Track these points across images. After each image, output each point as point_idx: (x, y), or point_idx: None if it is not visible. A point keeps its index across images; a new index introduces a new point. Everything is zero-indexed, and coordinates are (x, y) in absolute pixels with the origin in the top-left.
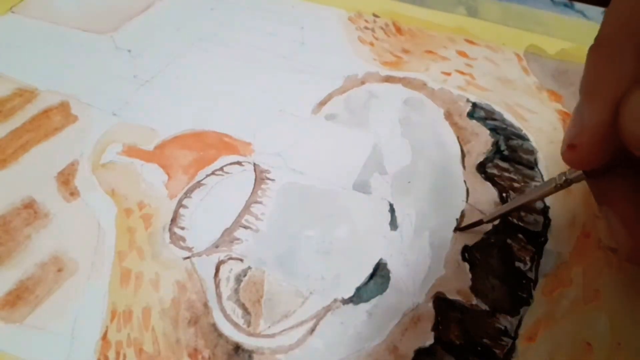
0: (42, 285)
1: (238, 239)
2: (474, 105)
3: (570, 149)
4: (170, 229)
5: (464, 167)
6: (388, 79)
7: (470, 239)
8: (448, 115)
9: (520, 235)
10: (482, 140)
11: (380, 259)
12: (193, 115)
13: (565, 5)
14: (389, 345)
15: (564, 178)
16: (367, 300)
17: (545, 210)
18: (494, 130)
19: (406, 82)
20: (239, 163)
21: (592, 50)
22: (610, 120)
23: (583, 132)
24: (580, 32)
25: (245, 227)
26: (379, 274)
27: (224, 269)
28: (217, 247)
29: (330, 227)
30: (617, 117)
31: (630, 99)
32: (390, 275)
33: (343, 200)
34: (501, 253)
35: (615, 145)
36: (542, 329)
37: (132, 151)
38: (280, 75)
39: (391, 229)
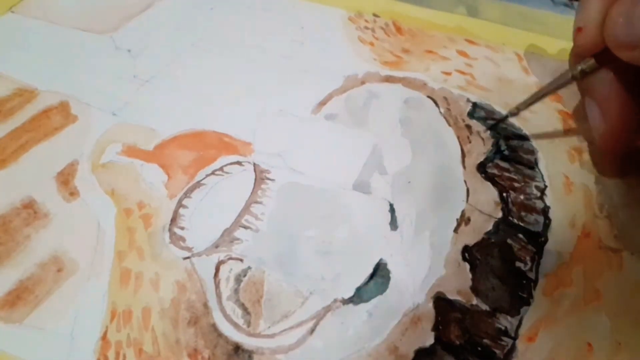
0: (42, 285)
1: (238, 239)
2: (474, 105)
3: (578, 31)
4: (170, 229)
5: (464, 167)
6: (388, 79)
7: (471, 239)
8: (448, 115)
9: (520, 236)
10: (482, 140)
11: (381, 259)
12: (193, 115)
13: (566, 5)
14: (389, 345)
15: (579, 68)
16: (367, 301)
17: (545, 211)
18: (494, 129)
19: (406, 82)
20: (238, 163)
21: None
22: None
23: (589, 15)
24: None
25: (245, 227)
26: (379, 274)
27: (223, 269)
28: (217, 247)
29: (330, 227)
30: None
31: (614, 6)
32: (391, 275)
33: (343, 200)
34: (501, 253)
35: None
36: (543, 329)
37: (131, 151)
38: (280, 75)
39: (391, 229)
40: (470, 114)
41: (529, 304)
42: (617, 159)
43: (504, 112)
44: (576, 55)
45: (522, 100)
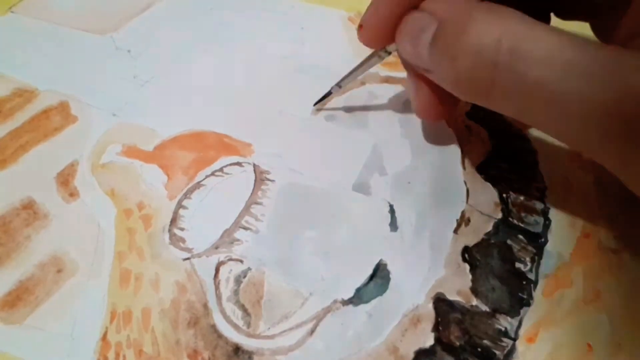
0: (42, 286)
1: (238, 240)
2: (474, 105)
3: (359, 29)
4: (170, 230)
5: (464, 167)
6: (388, 80)
7: (471, 239)
8: None
9: (520, 236)
10: (482, 141)
11: (380, 260)
12: (193, 116)
13: None
14: (389, 346)
15: (384, 50)
16: (367, 301)
17: (545, 211)
18: (494, 130)
19: (406, 83)
20: (238, 164)
21: None
22: (390, 9)
23: (371, 16)
24: (580, 32)
25: (245, 228)
26: (379, 274)
27: (223, 270)
28: (216, 248)
29: (330, 228)
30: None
31: (401, 25)
32: (390, 276)
33: (343, 200)
34: (501, 254)
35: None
36: (542, 330)
37: (131, 152)
38: (280, 75)
39: (391, 230)
40: (470, 115)
41: (529, 305)
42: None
43: None
44: None
45: (342, 81)
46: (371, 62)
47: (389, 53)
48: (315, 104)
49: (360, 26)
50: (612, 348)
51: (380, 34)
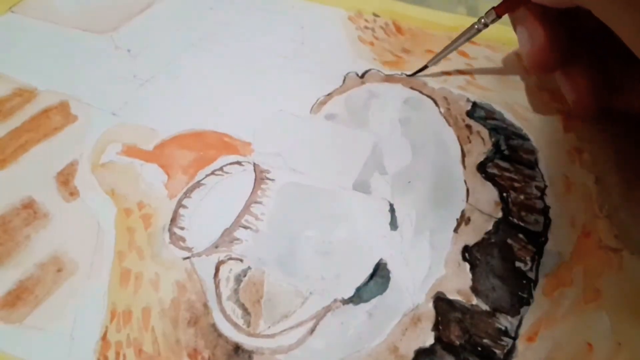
0: (42, 286)
1: (238, 239)
2: (474, 104)
3: None
4: (169, 229)
5: (464, 167)
6: (388, 79)
7: (471, 239)
8: (448, 115)
9: (520, 235)
10: (482, 140)
11: (380, 259)
12: (193, 115)
13: None
14: (389, 346)
15: (482, 21)
16: (367, 301)
17: (545, 210)
18: (494, 129)
19: (406, 82)
20: (238, 163)
21: None
22: None
23: None
24: None
25: (245, 227)
26: (379, 274)
27: (223, 269)
28: (216, 247)
29: (330, 227)
30: None
31: None
32: (390, 275)
33: (343, 200)
34: (501, 253)
35: None
36: (543, 329)
37: (131, 151)
38: (280, 75)
39: (391, 229)
40: (470, 114)
41: (529, 304)
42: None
43: (504, 111)
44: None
45: (439, 55)
46: (468, 34)
47: (486, 25)
48: (410, 75)
49: None
50: (612, 347)
51: None
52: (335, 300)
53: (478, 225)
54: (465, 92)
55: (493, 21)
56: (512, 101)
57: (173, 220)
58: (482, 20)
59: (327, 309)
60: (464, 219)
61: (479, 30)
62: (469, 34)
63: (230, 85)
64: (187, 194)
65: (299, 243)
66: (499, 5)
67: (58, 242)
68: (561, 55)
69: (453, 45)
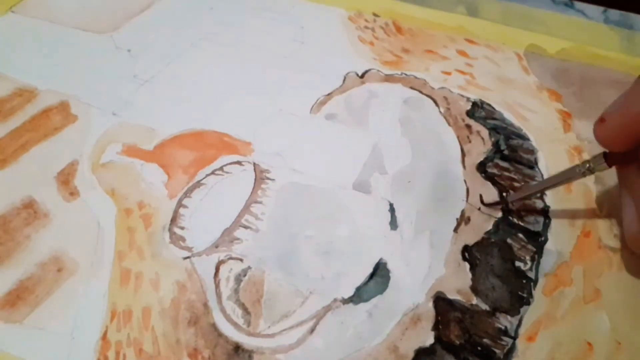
0: (42, 285)
1: (238, 239)
2: (474, 104)
3: (599, 122)
4: (170, 229)
5: (464, 166)
6: (388, 79)
7: (471, 238)
8: (448, 115)
9: (520, 235)
10: (482, 140)
11: (380, 259)
12: (193, 115)
13: (566, 4)
14: (389, 345)
15: (587, 165)
16: (367, 300)
17: (545, 210)
18: (494, 129)
19: (406, 82)
20: (238, 163)
21: None
22: None
23: (617, 110)
24: (580, 31)
25: (245, 227)
26: (379, 273)
27: (223, 269)
28: (217, 247)
29: (330, 227)
30: None
31: None
32: (390, 275)
33: (343, 200)
34: (501, 253)
35: (638, 138)
36: (543, 329)
37: (131, 151)
38: (280, 75)
39: (391, 229)
40: (470, 114)
41: (528, 304)
42: None
43: (504, 111)
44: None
45: (525, 188)
46: (563, 178)
47: (592, 171)
48: (486, 205)
49: (602, 119)
50: (612, 346)
51: (624, 134)
52: (335, 300)
53: (478, 224)
54: (465, 91)
55: (599, 170)
56: (512, 101)
57: (173, 220)
58: (588, 165)
59: (327, 309)
60: (463, 219)
61: (583, 175)
62: (568, 175)
63: (230, 85)
64: (188, 193)
65: (299, 243)
66: (612, 155)
67: (58, 241)
68: None
69: (543, 185)
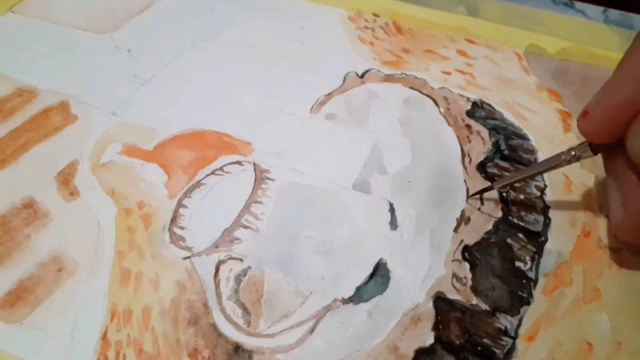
0: (42, 285)
1: (238, 239)
2: (474, 104)
3: (582, 116)
4: (170, 229)
5: (464, 166)
6: (388, 79)
7: (471, 238)
8: (448, 115)
9: (520, 235)
10: (482, 140)
11: (380, 259)
12: (193, 115)
13: (566, 4)
14: (389, 345)
15: (572, 153)
16: (367, 300)
17: (545, 210)
18: (494, 129)
19: (406, 82)
20: (238, 163)
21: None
22: (626, 100)
23: (598, 104)
24: (580, 31)
25: (245, 227)
26: (379, 273)
27: (223, 269)
28: (217, 246)
29: (330, 227)
30: (626, 131)
31: (637, 119)
32: (390, 275)
33: (343, 200)
34: (501, 253)
35: (621, 129)
36: (543, 329)
37: (131, 151)
38: (280, 75)
39: (391, 229)
40: (470, 114)
41: (529, 304)
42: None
43: (504, 111)
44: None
45: (511, 175)
46: (549, 166)
47: (577, 159)
48: (470, 196)
49: (585, 113)
50: (612, 346)
51: (607, 127)
52: (335, 300)
53: (478, 224)
54: (465, 91)
55: (584, 157)
56: (512, 101)
57: (173, 220)
58: (574, 153)
59: (327, 309)
60: (463, 219)
61: (568, 162)
62: (553, 163)
63: (230, 85)
64: (188, 193)
65: (299, 243)
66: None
67: (58, 241)
68: None
69: (529, 171)
